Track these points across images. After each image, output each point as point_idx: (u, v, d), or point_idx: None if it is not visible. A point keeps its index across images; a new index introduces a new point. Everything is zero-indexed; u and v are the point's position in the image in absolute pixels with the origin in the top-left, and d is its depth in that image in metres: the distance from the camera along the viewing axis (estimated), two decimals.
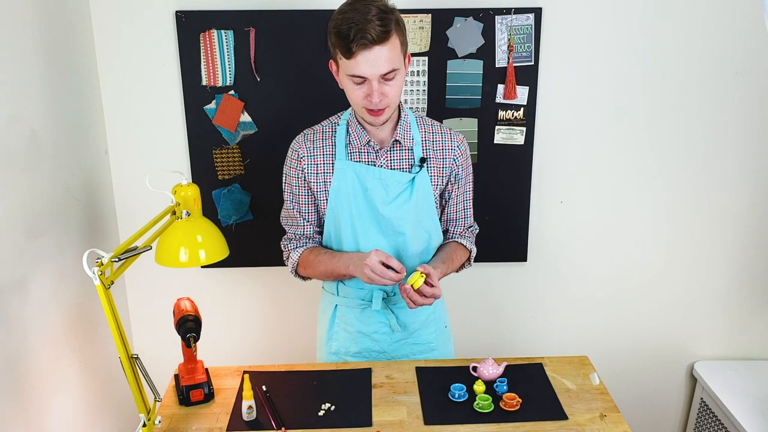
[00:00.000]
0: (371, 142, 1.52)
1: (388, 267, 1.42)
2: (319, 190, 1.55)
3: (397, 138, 1.52)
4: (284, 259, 1.65)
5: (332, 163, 1.53)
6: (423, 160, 1.54)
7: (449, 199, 1.63)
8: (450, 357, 1.75)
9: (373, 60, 1.33)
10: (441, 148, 1.56)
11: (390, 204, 1.52)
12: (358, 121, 1.51)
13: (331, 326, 1.67)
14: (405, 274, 1.43)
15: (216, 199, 2.08)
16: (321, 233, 1.64)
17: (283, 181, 1.61)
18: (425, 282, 1.41)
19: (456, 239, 1.66)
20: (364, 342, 1.64)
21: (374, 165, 1.52)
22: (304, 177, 1.55)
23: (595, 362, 1.75)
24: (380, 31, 1.30)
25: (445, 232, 1.67)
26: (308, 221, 1.60)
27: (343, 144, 1.53)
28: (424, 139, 1.56)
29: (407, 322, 1.64)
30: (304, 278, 1.64)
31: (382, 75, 1.35)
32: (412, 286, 1.39)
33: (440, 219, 1.65)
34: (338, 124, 1.55)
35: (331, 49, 1.41)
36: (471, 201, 1.67)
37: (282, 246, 1.65)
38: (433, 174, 1.56)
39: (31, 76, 1.59)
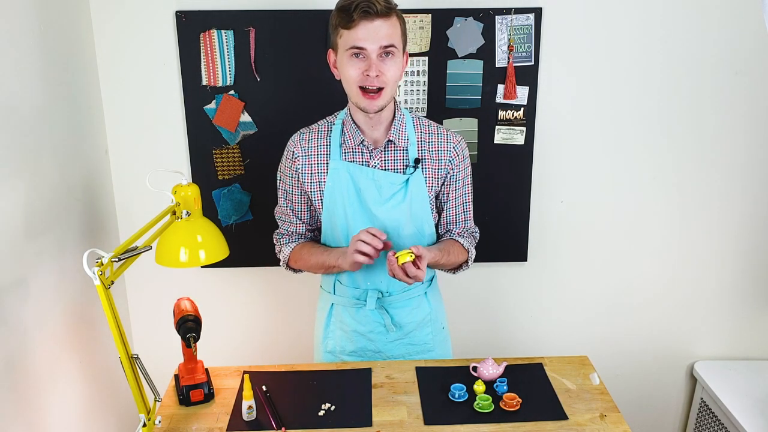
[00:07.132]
0: (365, 141, 1.51)
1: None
2: (312, 189, 1.55)
3: (391, 138, 1.51)
4: (276, 251, 1.67)
5: (327, 163, 1.53)
6: (417, 161, 1.53)
7: (446, 201, 1.61)
8: (447, 358, 1.75)
9: (375, 31, 1.34)
10: (437, 149, 1.55)
11: (383, 205, 1.51)
12: (353, 120, 1.51)
13: (328, 325, 1.67)
14: (388, 241, 1.45)
15: (216, 199, 2.08)
16: (314, 231, 1.64)
17: (278, 178, 1.62)
18: (413, 262, 1.40)
19: (454, 237, 1.65)
20: (360, 341, 1.64)
21: (368, 165, 1.52)
22: (298, 177, 1.55)
23: (595, 362, 1.75)
24: (384, 6, 1.34)
25: (445, 234, 1.67)
26: (300, 220, 1.61)
27: (337, 143, 1.52)
28: (419, 140, 1.55)
29: (403, 322, 1.63)
30: (295, 270, 1.66)
31: (381, 47, 1.36)
32: (397, 258, 1.39)
33: (438, 221, 1.65)
34: (334, 123, 1.55)
35: (331, 32, 1.41)
36: (471, 204, 1.66)
37: (274, 239, 1.67)
38: (428, 175, 1.54)
39: (31, 76, 1.59)
